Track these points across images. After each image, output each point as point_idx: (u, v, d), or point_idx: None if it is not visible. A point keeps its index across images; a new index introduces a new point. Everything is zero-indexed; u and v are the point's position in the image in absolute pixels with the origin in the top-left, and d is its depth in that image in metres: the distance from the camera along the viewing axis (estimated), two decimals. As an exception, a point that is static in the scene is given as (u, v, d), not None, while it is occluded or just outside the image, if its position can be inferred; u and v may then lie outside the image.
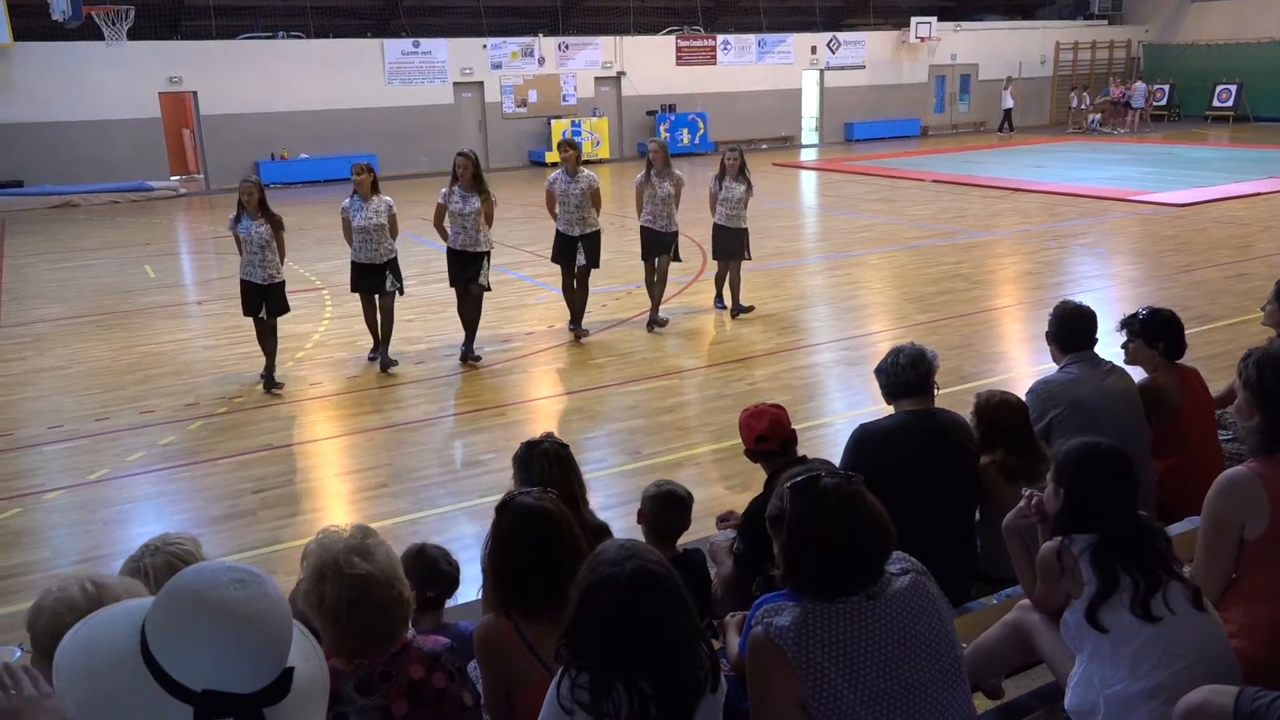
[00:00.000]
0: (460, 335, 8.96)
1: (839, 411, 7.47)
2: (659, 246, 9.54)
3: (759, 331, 9.59)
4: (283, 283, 8.17)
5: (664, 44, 27.05)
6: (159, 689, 1.29)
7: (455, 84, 24.63)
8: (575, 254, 9.19)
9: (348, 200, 8.46)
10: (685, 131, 26.27)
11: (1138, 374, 4.18)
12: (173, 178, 22.63)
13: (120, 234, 16.77)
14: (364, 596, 2.17)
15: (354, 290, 8.73)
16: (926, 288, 11.02)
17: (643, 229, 9.64)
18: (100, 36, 18.99)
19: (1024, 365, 8.20)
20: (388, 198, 8.51)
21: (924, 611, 2.20)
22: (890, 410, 3.74)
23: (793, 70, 28.75)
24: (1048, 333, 4.14)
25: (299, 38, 23.30)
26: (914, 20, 29.48)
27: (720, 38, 27.68)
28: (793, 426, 3.68)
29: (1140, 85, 29.71)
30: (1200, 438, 4.09)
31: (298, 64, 22.80)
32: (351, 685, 2.17)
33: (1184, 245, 12.92)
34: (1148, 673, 2.40)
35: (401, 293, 8.72)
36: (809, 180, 22.27)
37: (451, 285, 8.85)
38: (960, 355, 8.38)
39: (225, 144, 22.15)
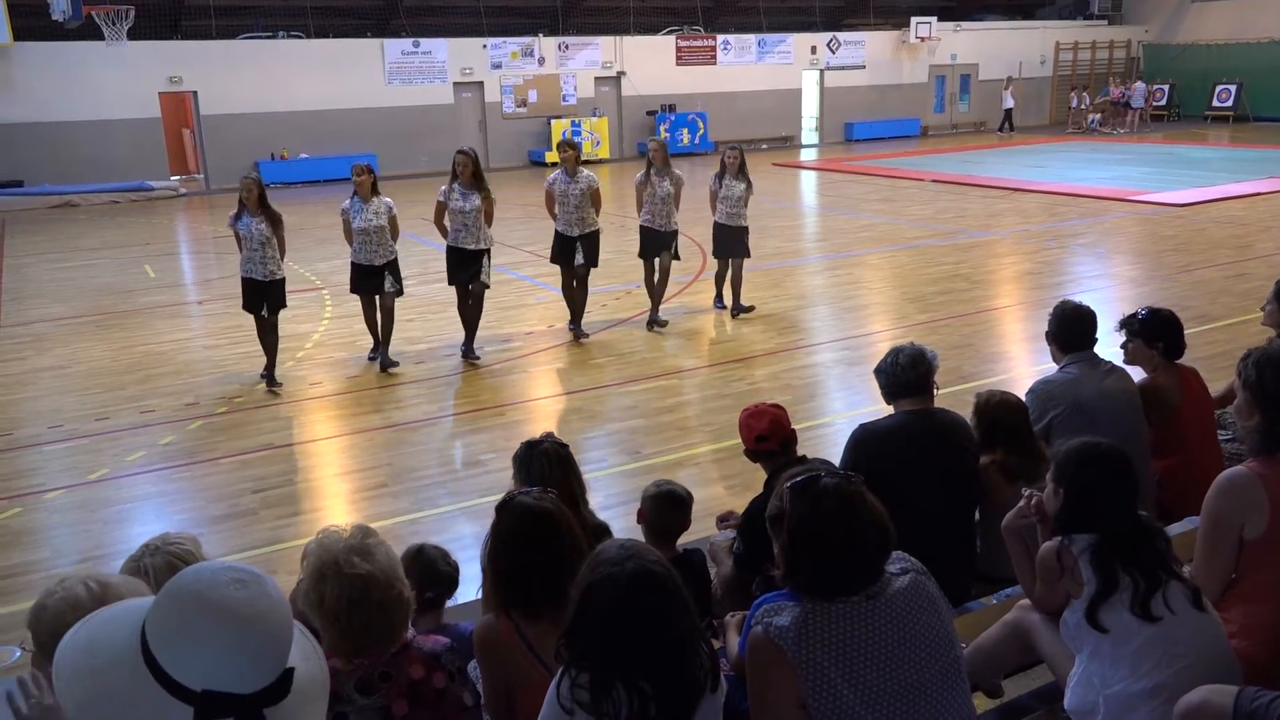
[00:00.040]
0: (460, 335, 8.96)
1: (839, 411, 7.47)
2: (659, 245, 9.55)
3: (759, 331, 9.59)
4: (283, 279, 8.18)
5: (664, 44, 27.05)
6: (159, 689, 1.29)
7: (455, 84, 24.63)
8: (574, 254, 9.20)
9: (348, 201, 8.46)
10: (685, 131, 26.26)
11: (1137, 374, 4.18)
12: (173, 178, 22.63)
13: (120, 234, 16.77)
14: (364, 596, 2.17)
15: (354, 291, 8.73)
16: (926, 288, 11.02)
17: (642, 228, 9.65)
18: (100, 36, 19.00)
19: (1024, 365, 8.20)
20: (388, 199, 8.51)
21: (924, 611, 2.20)
22: (890, 410, 3.74)
23: (793, 70, 28.75)
24: (1048, 333, 4.14)
25: (299, 38, 23.30)
26: (914, 20, 29.48)
27: (720, 38, 27.68)
28: (793, 426, 3.67)
29: (1140, 85, 29.71)
30: (1200, 438, 4.09)
31: (298, 64, 22.80)
32: (351, 685, 2.17)
33: (1184, 245, 12.92)
34: (1148, 673, 2.40)
35: (400, 293, 8.72)
36: (809, 180, 22.27)
37: (450, 283, 8.85)
38: (960, 355, 8.38)
39: (225, 144, 22.15)
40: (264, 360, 8.30)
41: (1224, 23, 30.93)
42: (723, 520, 4.03)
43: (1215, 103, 30.44)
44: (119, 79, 20.94)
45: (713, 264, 10.49)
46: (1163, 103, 31.39)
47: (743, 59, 27.96)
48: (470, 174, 8.47)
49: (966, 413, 3.75)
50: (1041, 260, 12.47)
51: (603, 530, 3.26)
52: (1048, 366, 4.52)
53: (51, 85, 20.53)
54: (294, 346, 9.25)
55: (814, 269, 12.68)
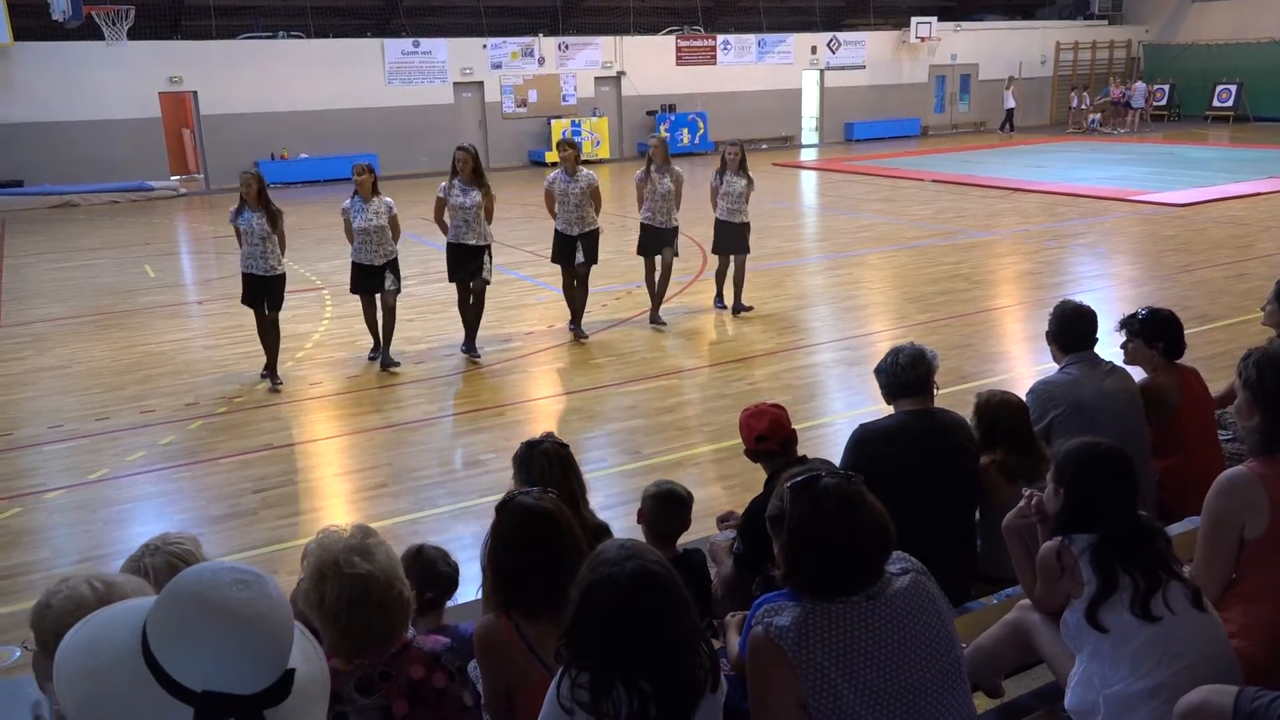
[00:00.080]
0: (460, 334, 8.96)
1: (839, 411, 7.47)
2: (659, 242, 9.56)
3: (759, 331, 9.59)
4: (283, 275, 8.18)
5: (664, 44, 27.05)
6: (159, 689, 1.29)
7: (455, 84, 24.63)
8: (575, 253, 9.20)
9: (348, 201, 8.46)
10: (685, 131, 26.26)
11: (1138, 374, 4.18)
12: (173, 177, 22.63)
13: (120, 234, 16.77)
14: (364, 596, 2.17)
15: (354, 291, 8.73)
16: (926, 288, 11.03)
17: (642, 225, 9.66)
18: (100, 36, 19.00)
19: (1024, 365, 8.20)
20: (388, 198, 8.51)
21: (924, 611, 2.20)
22: (890, 410, 3.74)
23: (793, 70, 28.75)
24: (1048, 333, 4.14)
25: (299, 38, 23.30)
26: (914, 20, 29.48)
27: (720, 38, 27.67)
28: (793, 426, 3.67)
29: (1140, 85, 29.71)
30: (1200, 438, 4.09)
31: (298, 64, 22.80)
32: (351, 685, 2.17)
33: (1184, 245, 12.92)
34: (1148, 672, 2.40)
35: (399, 291, 8.71)
36: (809, 180, 22.27)
37: (451, 280, 8.86)
38: (960, 355, 8.38)
39: (225, 144, 22.15)
40: (264, 359, 8.29)
41: (1224, 23, 30.93)
42: (723, 520, 4.04)
43: (1215, 103, 30.44)
44: (119, 79, 20.94)
45: (713, 264, 10.49)
46: (1163, 103, 31.39)
47: (743, 59, 27.96)
48: (470, 170, 8.48)
49: (966, 413, 3.75)
50: (1042, 260, 12.47)
51: (603, 530, 3.26)
52: (1048, 366, 4.52)
53: (51, 85, 20.53)
54: (294, 346, 9.24)
55: (814, 269, 12.68)
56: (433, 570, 3.29)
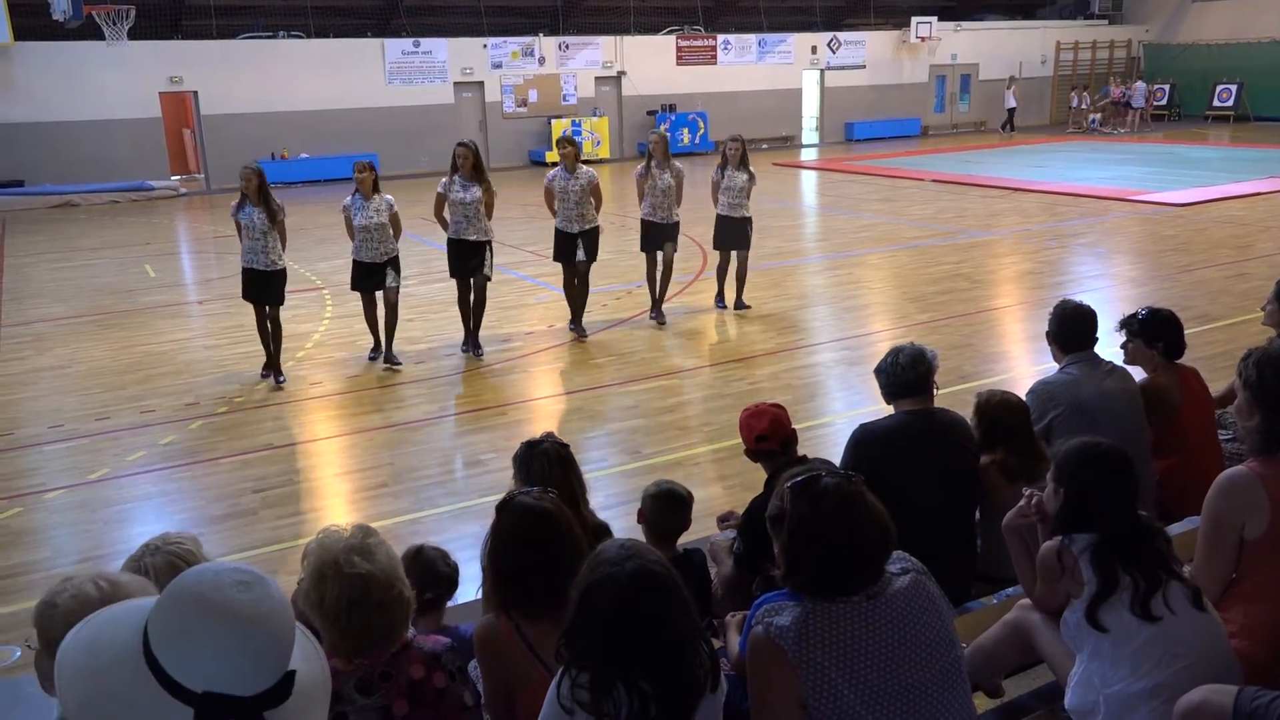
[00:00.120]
0: (460, 333, 8.96)
1: (839, 411, 7.47)
2: (660, 238, 9.57)
3: (759, 331, 9.59)
4: (284, 270, 8.18)
5: (664, 44, 27.05)
6: (160, 690, 1.29)
7: (455, 84, 24.63)
8: (575, 251, 9.21)
9: (349, 198, 8.47)
10: (685, 131, 26.26)
11: (1138, 374, 4.18)
12: (173, 177, 22.63)
13: (120, 234, 16.76)
14: (364, 596, 2.17)
15: (354, 289, 8.73)
16: (927, 287, 11.02)
17: (643, 221, 9.68)
18: (100, 36, 19.00)
19: (1024, 365, 8.20)
20: (389, 196, 8.52)
21: (924, 611, 2.20)
22: (890, 410, 3.74)
23: (793, 70, 28.74)
24: (1048, 333, 4.14)
25: (299, 38, 23.30)
26: (914, 20, 29.47)
27: (720, 37, 27.67)
28: (793, 426, 3.67)
29: (1140, 85, 29.69)
30: (1200, 438, 4.09)
31: (298, 64, 22.80)
32: (352, 685, 2.17)
33: (1184, 245, 12.92)
34: (1148, 672, 2.40)
35: (399, 287, 8.70)
36: (809, 180, 22.27)
37: (452, 276, 8.87)
38: (960, 355, 8.38)
39: (225, 144, 22.14)
40: (264, 357, 8.29)
41: (1224, 23, 30.93)
42: (723, 520, 4.03)
43: (1216, 102, 30.44)
44: (119, 79, 20.94)
45: (713, 263, 10.49)
46: (1163, 102, 31.38)
47: (743, 59, 27.96)
48: (470, 166, 8.50)
49: (966, 413, 3.75)
50: (1042, 260, 12.47)
51: (603, 530, 3.26)
52: (1048, 366, 4.52)
53: (52, 85, 20.53)
54: (294, 346, 9.24)
55: (814, 269, 12.68)
56: (433, 570, 3.29)
